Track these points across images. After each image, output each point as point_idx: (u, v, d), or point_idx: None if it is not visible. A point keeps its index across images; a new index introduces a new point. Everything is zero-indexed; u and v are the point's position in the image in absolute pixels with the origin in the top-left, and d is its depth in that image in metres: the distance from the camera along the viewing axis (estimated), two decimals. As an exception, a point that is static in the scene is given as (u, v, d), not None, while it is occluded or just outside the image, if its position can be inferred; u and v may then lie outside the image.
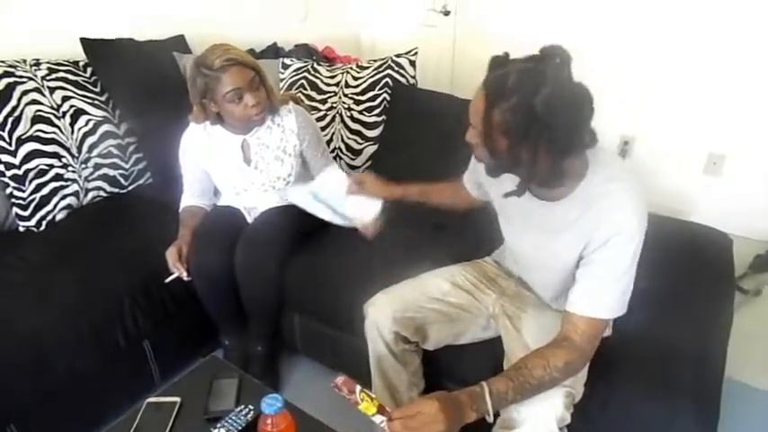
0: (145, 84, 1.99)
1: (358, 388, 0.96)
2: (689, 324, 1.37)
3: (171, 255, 1.56)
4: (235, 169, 1.66)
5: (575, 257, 1.09)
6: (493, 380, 1.01)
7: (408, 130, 2.03)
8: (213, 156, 1.66)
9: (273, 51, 2.64)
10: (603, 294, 1.05)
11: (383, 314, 1.29)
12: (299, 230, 1.68)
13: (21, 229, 1.71)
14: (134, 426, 1.08)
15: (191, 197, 1.75)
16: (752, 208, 2.53)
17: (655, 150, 2.68)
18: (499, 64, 0.96)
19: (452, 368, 1.40)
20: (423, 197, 1.52)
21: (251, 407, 1.08)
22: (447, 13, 3.08)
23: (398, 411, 0.96)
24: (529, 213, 1.15)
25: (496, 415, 1.05)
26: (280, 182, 1.68)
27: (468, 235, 1.65)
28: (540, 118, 0.90)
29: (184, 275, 1.55)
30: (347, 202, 1.54)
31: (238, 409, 1.09)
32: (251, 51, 2.60)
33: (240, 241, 1.61)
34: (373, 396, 0.96)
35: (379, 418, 0.95)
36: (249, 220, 1.74)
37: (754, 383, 1.75)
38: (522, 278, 1.35)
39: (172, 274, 1.55)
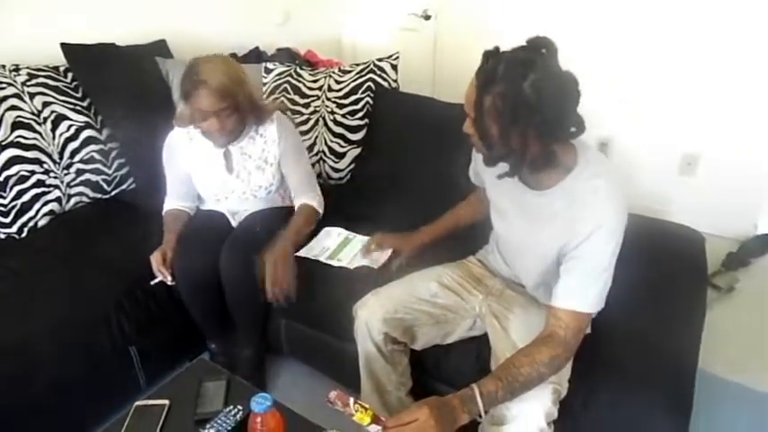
0: (127, 89, 1.98)
1: (351, 400, 0.98)
2: (663, 320, 1.41)
3: (155, 259, 1.56)
4: (216, 177, 1.67)
5: (557, 247, 1.13)
6: (482, 381, 1.04)
7: (391, 132, 2.06)
8: (196, 161, 1.67)
9: (256, 55, 2.65)
10: (587, 288, 1.09)
11: (373, 315, 1.31)
12: None
13: (1, 236, 1.70)
14: (123, 429, 1.08)
15: (175, 199, 1.74)
16: (725, 207, 2.61)
17: (631, 151, 2.74)
18: (491, 56, 1.01)
19: (439, 367, 1.43)
20: (449, 231, 1.57)
21: (240, 407, 1.10)
22: (428, 18, 3.11)
23: (392, 420, 0.98)
24: (518, 200, 1.20)
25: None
26: (261, 191, 1.69)
27: (453, 236, 1.68)
28: (528, 102, 0.95)
29: (168, 280, 1.55)
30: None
31: (227, 409, 1.10)
32: (233, 56, 2.60)
33: (225, 246, 1.61)
34: (367, 406, 0.99)
35: (374, 428, 0.98)
36: (233, 223, 1.74)
37: (728, 376, 1.80)
38: (508, 264, 1.38)
39: (156, 277, 1.56)
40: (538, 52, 0.97)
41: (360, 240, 1.69)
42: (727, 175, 2.57)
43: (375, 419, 0.98)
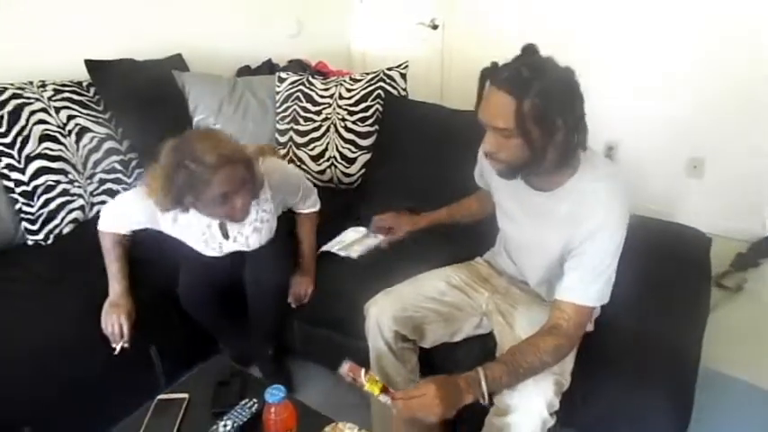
0: (145, 101, 2.06)
1: (363, 371, 1.06)
2: (665, 319, 1.44)
3: (124, 323, 1.46)
4: (212, 244, 1.59)
5: (561, 246, 1.19)
6: (488, 365, 1.10)
7: (400, 139, 2.12)
8: (186, 230, 1.55)
9: (268, 67, 2.73)
10: (590, 284, 1.14)
11: (384, 313, 1.36)
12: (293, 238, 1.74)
13: (29, 242, 1.78)
14: (146, 421, 1.14)
15: (118, 229, 1.57)
16: (732, 209, 2.62)
17: (638, 155, 2.77)
18: (492, 71, 1.06)
19: (446, 365, 1.45)
20: (450, 219, 1.64)
21: (255, 400, 1.15)
22: (435, 27, 3.18)
23: (401, 393, 1.06)
24: (524, 202, 1.25)
25: (492, 399, 1.13)
26: (257, 246, 1.64)
27: (461, 239, 1.72)
28: (561, 95, 1.02)
29: (126, 344, 1.47)
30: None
31: (243, 402, 1.16)
32: (246, 68, 2.69)
33: (248, 259, 1.63)
34: (377, 378, 1.07)
35: (383, 398, 1.05)
36: None
37: (735, 373, 1.82)
38: (514, 262, 1.43)
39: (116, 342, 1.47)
40: (537, 54, 1.04)
41: (376, 239, 1.75)
42: (735, 178, 2.59)
43: (385, 390, 1.06)
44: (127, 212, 1.55)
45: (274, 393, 1.02)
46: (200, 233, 1.55)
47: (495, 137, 1.08)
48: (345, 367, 1.07)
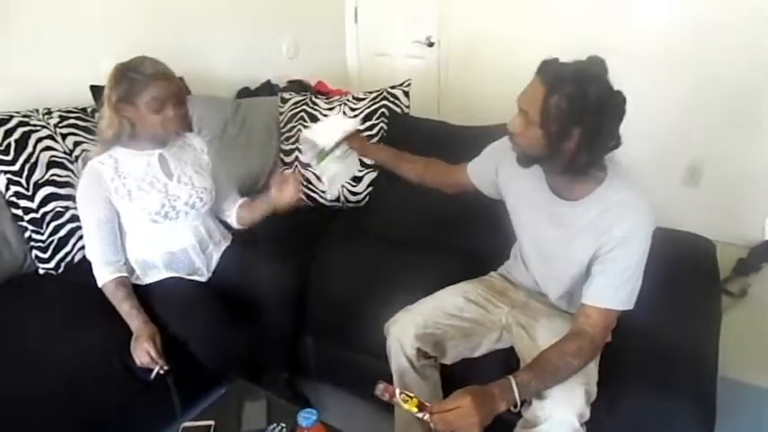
0: (150, 125, 2.06)
1: (398, 391, 1.09)
2: (682, 326, 1.46)
3: (147, 349, 1.41)
4: (157, 186, 1.58)
5: (589, 254, 1.21)
6: (517, 372, 1.13)
7: (406, 156, 2.13)
8: (131, 179, 1.55)
9: (268, 89, 2.75)
10: (618, 288, 1.17)
11: (405, 331, 1.37)
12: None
13: (40, 271, 1.76)
14: (174, 450, 1.13)
15: (105, 264, 1.56)
16: (730, 214, 2.67)
17: (634, 164, 2.78)
18: (551, 63, 1.10)
19: (468, 380, 1.44)
20: (393, 164, 1.68)
21: (283, 425, 1.15)
22: (431, 45, 3.23)
23: (437, 407, 1.08)
24: (549, 211, 1.27)
25: (519, 409, 1.14)
26: (206, 194, 1.66)
27: (474, 254, 1.74)
28: (591, 108, 1.05)
29: (165, 367, 1.44)
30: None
31: (271, 427, 1.15)
32: (246, 89, 2.71)
33: (259, 265, 1.67)
34: (412, 395, 1.09)
35: (421, 414, 1.08)
36: (205, 276, 1.70)
37: (746, 379, 1.84)
38: (532, 275, 1.43)
39: (151, 369, 1.43)
40: (597, 66, 1.08)
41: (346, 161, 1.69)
42: (732, 183, 2.64)
43: (421, 406, 1.08)
44: (86, 206, 1.56)
45: (307, 417, 1.02)
46: (143, 173, 1.58)
47: (520, 119, 1.14)
48: (381, 388, 1.10)
